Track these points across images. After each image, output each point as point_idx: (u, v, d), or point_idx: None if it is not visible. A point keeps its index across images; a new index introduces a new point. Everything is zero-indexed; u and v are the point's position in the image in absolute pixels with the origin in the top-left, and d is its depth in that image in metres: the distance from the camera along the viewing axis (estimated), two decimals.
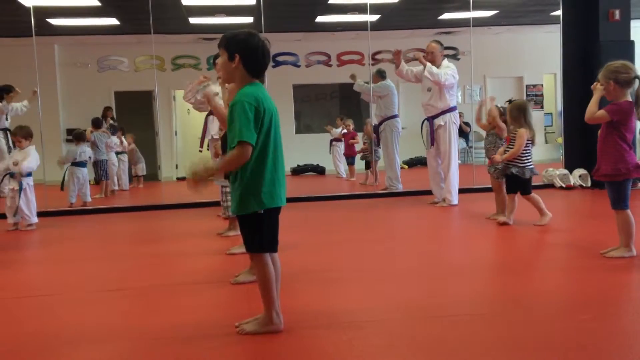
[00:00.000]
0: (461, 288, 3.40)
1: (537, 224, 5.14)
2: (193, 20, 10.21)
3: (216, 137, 5.57)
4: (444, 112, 6.61)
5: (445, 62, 6.66)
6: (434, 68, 6.47)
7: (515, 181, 5.17)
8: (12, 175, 6.08)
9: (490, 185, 5.84)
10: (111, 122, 10.27)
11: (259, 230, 2.61)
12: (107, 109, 10.81)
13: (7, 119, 8.27)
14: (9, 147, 7.90)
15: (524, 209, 5.31)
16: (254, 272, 3.43)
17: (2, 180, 6.07)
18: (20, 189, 6.03)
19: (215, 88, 5.83)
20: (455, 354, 2.40)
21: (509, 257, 4.34)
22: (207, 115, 6.19)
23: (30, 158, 6.05)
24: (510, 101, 5.34)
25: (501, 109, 5.60)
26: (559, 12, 8.29)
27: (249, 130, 2.49)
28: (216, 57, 5.89)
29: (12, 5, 8.50)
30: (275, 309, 2.67)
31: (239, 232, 4.61)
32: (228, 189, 5.26)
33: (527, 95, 12.51)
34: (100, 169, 8.88)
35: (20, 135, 6.15)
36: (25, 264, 4.79)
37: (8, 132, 7.95)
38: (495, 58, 11.74)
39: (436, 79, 6.44)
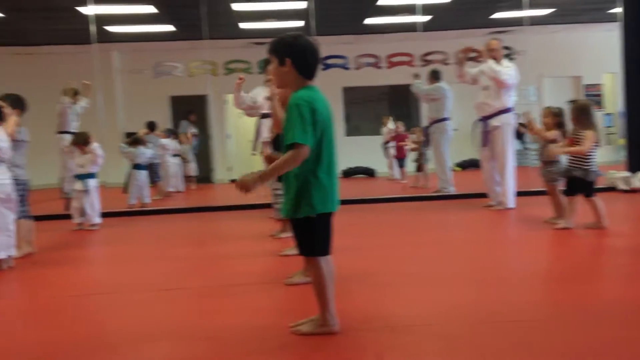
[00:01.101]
0: (517, 294, 3.32)
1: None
2: (244, 25, 10.38)
3: (268, 140, 5.64)
4: (500, 113, 6.47)
5: (506, 61, 6.52)
6: (495, 65, 6.34)
7: (578, 184, 5.01)
8: (78, 177, 6.32)
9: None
10: (168, 128, 10.57)
11: (311, 235, 2.62)
12: (190, 112, 11.23)
13: (74, 120, 8.60)
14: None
15: (584, 212, 5.13)
16: (308, 273, 3.47)
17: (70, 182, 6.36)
18: (87, 190, 6.26)
19: (264, 92, 5.92)
20: None
21: (568, 263, 4.20)
22: (260, 118, 6.28)
23: (98, 152, 6.33)
24: (572, 102, 5.19)
25: (555, 110, 5.44)
26: (617, 10, 8.00)
27: (303, 131, 2.48)
28: (266, 61, 5.99)
29: (73, 13, 8.86)
30: (330, 310, 2.67)
31: (291, 234, 4.66)
32: (279, 191, 5.32)
33: (586, 95, 12.11)
34: (154, 172, 9.11)
35: (80, 143, 6.39)
36: (88, 263, 4.98)
37: None
38: (552, 57, 11.42)
39: (497, 76, 6.30)
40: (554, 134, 5.29)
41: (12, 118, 4.67)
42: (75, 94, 8.43)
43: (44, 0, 8.58)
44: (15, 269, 4.46)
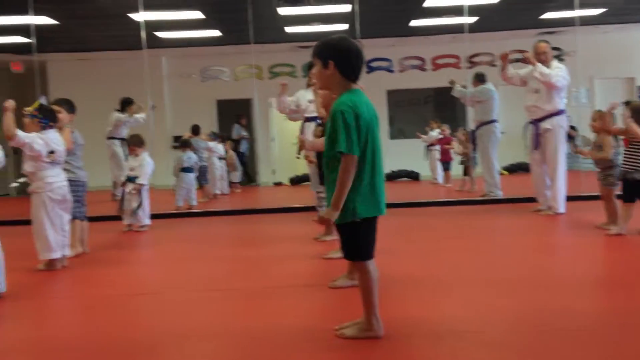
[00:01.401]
0: (568, 301, 3.22)
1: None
2: (289, 29, 10.46)
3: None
4: (551, 115, 6.31)
5: (555, 62, 6.36)
6: (544, 68, 6.19)
7: (637, 187, 4.84)
8: (129, 179, 6.49)
9: (599, 193, 5.51)
10: (212, 131, 10.74)
11: (356, 239, 2.61)
12: (240, 115, 11.47)
13: (125, 128, 8.92)
14: (126, 156, 8.50)
15: (636, 217, 4.96)
16: (352, 276, 3.47)
17: (123, 188, 6.50)
18: (137, 192, 6.41)
19: (309, 95, 5.96)
20: None
21: (622, 270, 4.06)
22: (303, 122, 6.32)
23: (146, 167, 6.44)
24: (627, 102, 5.03)
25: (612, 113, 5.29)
26: None
27: (349, 139, 2.49)
28: (310, 65, 6.04)
29: (125, 20, 9.13)
30: (376, 315, 2.66)
31: (335, 237, 4.69)
32: (323, 194, 5.33)
33: None
34: (201, 174, 9.26)
35: (133, 144, 6.57)
36: (137, 263, 5.11)
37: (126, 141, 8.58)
38: (604, 58, 11.09)
39: (547, 80, 6.15)
40: (608, 152, 5.15)
41: (67, 130, 4.84)
42: (130, 104, 8.74)
43: (98, 8, 8.86)
44: (68, 268, 4.61)
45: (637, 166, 4.81)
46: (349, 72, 2.62)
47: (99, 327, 3.13)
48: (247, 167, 12.05)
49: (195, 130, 9.56)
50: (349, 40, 2.64)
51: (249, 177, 12.15)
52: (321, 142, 3.89)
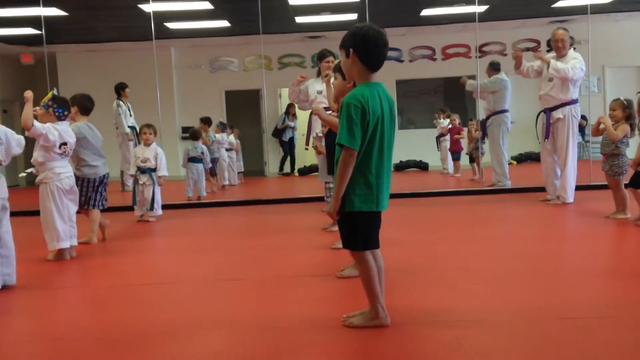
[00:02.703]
0: (577, 290, 3.22)
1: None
2: (299, 19, 10.42)
3: (320, 134, 5.66)
4: (564, 105, 6.27)
5: (572, 52, 6.29)
6: (559, 63, 6.12)
7: None
8: (142, 171, 6.50)
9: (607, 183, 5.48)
10: (220, 122, 10.77)
11: (353, 230, 2.63)
12: (290, 105, 11.58)
13: (130, 115, 9.00)
14: (134, 143, 8.58)
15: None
16: None
17: (135, 178, 6.53)
18: (151, 183, 6.44)
19: (318, 86, 5.94)
20: (574, 357, 2.29)
21: (632, 258, 4.05)
22: (311, 113, 6.30)
23: (163, 159, 6.48)
24: None
25: (625, 101, 5.24)
26: None
27: (350, 134, 2.49)
28: (319, 55, 6.03)
29: (134, 11, 9.14)
30: (380, 303, 2.67)
31: None
32: (331, 185, 5.34)
33: None
34: (213, 166, 9.26)
35: (149, 129, 6.56)
36: (147, 253, 5.14)
37: (135, 130, 8.65)
38: (616, 47, 10.96)
39: (563, 75, 6.09)
40: (623, 129, 5.11)
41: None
42: (124, 88, 8.83)
43: None
44: (77, 258, 4.66)
45: None
46: (369, 60, 2.59)
47: (109, 316, 3.17)
48: (293, 156, 12.15)
49: (208, 121, 9.57)
50: (370, 28, 2.60)
51: (292, 167, 12.21)
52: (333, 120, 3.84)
